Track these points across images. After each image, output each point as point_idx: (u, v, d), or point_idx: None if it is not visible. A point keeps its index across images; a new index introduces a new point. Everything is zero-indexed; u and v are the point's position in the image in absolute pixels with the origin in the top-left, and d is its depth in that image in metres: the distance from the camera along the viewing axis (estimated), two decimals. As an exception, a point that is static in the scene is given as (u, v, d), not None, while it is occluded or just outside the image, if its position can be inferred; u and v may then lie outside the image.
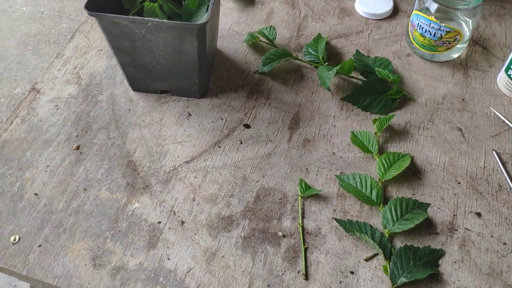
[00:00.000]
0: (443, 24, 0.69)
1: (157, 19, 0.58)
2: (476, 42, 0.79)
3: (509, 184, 0.62)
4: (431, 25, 0.70)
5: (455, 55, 0.76)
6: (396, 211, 0.59)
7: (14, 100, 0.74)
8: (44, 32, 0.82)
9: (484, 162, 0.65)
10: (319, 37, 0.77)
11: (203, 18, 0.66)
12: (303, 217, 0.60)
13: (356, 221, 0.58)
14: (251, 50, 0.78)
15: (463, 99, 0.71)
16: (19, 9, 0.89)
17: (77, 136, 0.67)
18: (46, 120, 0.68)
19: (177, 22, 0.58)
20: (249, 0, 0.85)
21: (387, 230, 0.58)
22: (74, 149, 0.65)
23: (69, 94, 0.71)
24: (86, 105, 0.70)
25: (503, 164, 0.64)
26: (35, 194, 0.61)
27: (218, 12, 0.72)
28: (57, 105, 0.70)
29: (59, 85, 0.72)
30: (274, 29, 0.76)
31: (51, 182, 0.62)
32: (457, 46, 0.73)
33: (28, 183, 0.62)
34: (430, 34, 0.71)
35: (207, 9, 0.68)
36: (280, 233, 0.58)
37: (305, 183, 0.62)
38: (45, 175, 0.63)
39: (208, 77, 0.71)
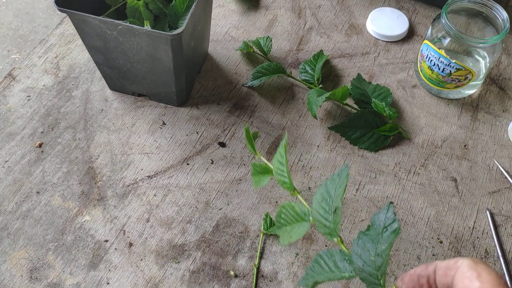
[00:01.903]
0: (453, 61, 0.62)
1: (127, 23, 0.53)
2: (494, 80, 0.71)
3: (497, 252, 0.56)
4: (441, 59, 0.63)
5: (468, 92, 0.68)
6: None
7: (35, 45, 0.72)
8: None
9: (475, 222, 0.58)
10: (319, 54, 0.71)
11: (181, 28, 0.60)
12: (261, 257, 0.55)
13: None
14: (244, 59, 0.72)
15: (465, 145, 0.64)
16: None
17: (42, 132, 0.63)
18: (15, 111, 0.65)
19: (149, 29, 0.53)
20: (253, 3, 0.79)
21: None
22: (36, 147, 0.62)
23: (44, 85, 0.68)
24: (58, 100, 0.66)
25: (496, 227, 0.57)
26: (-13, 191, 0.58)
27: (207, 16, 0.66)
28: (29, 96, 0.66)
29: (36, 74, 0.69)
30: (271, 40, 0.70)
31: (6, 180, 0.59)
32: (471, 83, 0.65)
33: (-18, 177, 0.59)
34: (439, 69, 0.64)
35: (196, 13, 0.62)
36: (232, 272, 0.54)
37: (271, 219, 0.57)
38: (1, 171, 0.60)
39: (190, 85, 0.66)
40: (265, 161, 0.49)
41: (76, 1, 0.57)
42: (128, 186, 0.59)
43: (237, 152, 0.63)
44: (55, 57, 0.71)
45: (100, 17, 0.53)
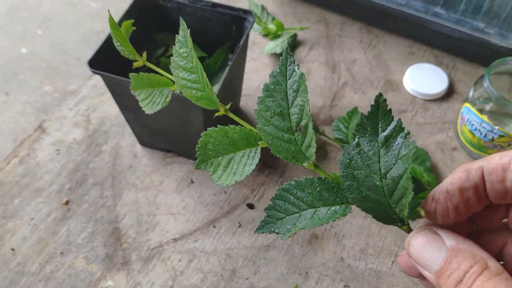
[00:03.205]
0: (497, 127, 0.58)
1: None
2: (540, 144, 0.67)
3: None
4: (482, 124, 0.60)
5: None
6: None
7: (67, 96, 0.73)
8: (107, 31, 0.81)
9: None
10: (354, 111, 0.69)
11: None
12: (288, 334, 0.52)
13: None
14: (276, 115, 0.70)
15: (509, 216, 0.60)
16: (87, 5, 0.88)
17: (69, 189, 0.62)
18: (43, 165, 0.64)
19: (180, 94, 0.52)
20: (286, 57, 0.77)
21: None
22: (63, 204, 0.61)
23: (74, 139, 0.67)
24: (87, 154, 0.66)
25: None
26: (12, 249, 0.57)
27: (240, 73, 0.65)
28: (59, 150, 0.66)
29: (66, 127, 0.69)
30: (304, 97, 0.68)
31: (31, 238, 0.58)
32: (515, 148, 0.62)
33: (8, 234, 0.59)
34: (480, 134, 0.61)
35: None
36: None
37: (300, 292, 0.54)
38: (27, 229, 0.59)
39: (219, 144, 0.65)
40: (160, 70, 0.40)
41: (110, 61, 0.57)
42: (153, 249, 0.57)
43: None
44: (86, 110, 0.71)
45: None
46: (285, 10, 0.84)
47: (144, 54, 0.46)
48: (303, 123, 0.29)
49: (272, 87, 0.31)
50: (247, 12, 0.59)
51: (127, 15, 0.59)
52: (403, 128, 0.27)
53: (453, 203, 0.27)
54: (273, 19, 0.80)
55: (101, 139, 0.67)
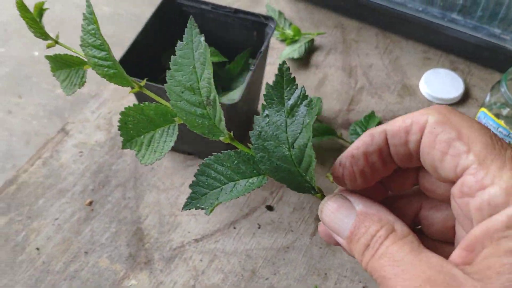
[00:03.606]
0: (515, 132, 0.59)
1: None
2: (556, 149, 0.67)
3: None
4: (499, 129, 0.60)
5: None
6: None
7: (79, 100, 0.74)
8: (119, 35, 0.82)
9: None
10: (371, 115, 0.70)
11: (235, 93, 0.60)
12: (308, 334, 0.53)
13: None
14: (294, 119, 0.71)
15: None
16: (100, 9, 0.90)
17: (92, 190, 0.64)
18: (67, 167, 0.66)
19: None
20: (303, 62, 0.78)
21: None
22: (86, 205, 0.62)
23: (96, 141, 0.69)
24: (110, 156, 0.67)
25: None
26: (37, 249, 0.59)
27: (260, 77, 0.66)
28: (82, 152, 0.68)
29: (88, 129, 0.70)
30: (321, 101, 0.69)
31: (55, 238, 0.60)
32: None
33: (33, 234, 0.60)
34: (498, 139, 0.61)
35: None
36: None
37: (319, 293, 0.55)
38: (51, 229, 0.60)
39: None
40: (73, 49, 0.41)
41: (137, 62, 0.58)
42: (175, 249, 0.59)
43: (284, 217, 0.61)
44: (108, 113, 0.72)
45: (152, 84, 0.54)
46: (302, 16, 0.85)
47: (57, 34, 0.43)
48: (212, 96, 0.29)
49: (180, 60, 0.30)
50: (268, 18, 0.60)
51: (152, 21, 0.61)
52: (307, 96, 0.27)
53: (359, 167, 0.26)
54: (290, 24, 0.81)
55: (122, 141, 0.69)
